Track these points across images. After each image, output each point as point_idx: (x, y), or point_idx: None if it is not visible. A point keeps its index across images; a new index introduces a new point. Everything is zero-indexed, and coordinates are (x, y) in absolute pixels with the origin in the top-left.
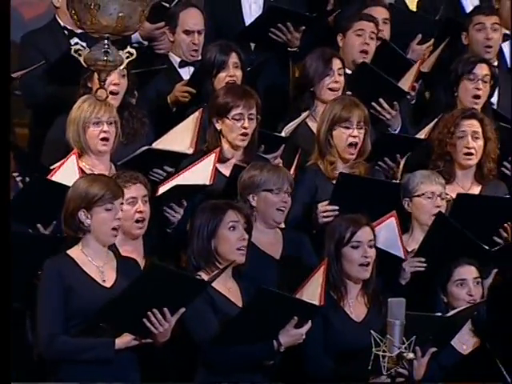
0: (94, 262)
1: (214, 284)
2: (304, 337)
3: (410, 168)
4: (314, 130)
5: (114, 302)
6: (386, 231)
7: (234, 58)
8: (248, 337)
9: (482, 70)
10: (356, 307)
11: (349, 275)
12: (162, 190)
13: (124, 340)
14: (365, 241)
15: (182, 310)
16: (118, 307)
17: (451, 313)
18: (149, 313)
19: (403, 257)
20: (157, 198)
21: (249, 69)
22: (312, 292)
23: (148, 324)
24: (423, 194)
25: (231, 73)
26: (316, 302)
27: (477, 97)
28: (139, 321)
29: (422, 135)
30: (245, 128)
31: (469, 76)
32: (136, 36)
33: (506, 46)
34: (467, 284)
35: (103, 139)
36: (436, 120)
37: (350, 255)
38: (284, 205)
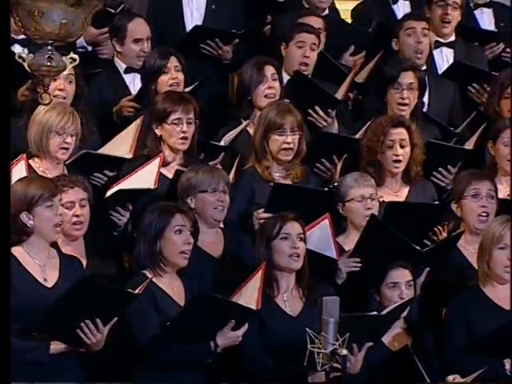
0: (37, 261)
1: (159, 283)
2: (240, 339)
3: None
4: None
5: (48, 312)
6: (320, 233)
7: (174, 62)
8: (186, 337)
9: (406, 78)
10: (291, 302)
11: (280, 266)
12: (109, 193)
13: (58, 347)
14: (293, 233)
15: (114, 319)
16: (51, 317)
17: (385, 311)
18: (82, 324)
19: (335, 257)
20: (103, 202)
21: (188, 89)
22: (249, 295)
23: (81, 334)
24: (353, 199)
25: (173, 75)
26: (253, 306)
27: (403, 104)
28: (72, 331)
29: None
30: (184, 132)
31: (393, 85)
32: (81, 41)
33: (437, 53)
34: (399, 287)
35: (63, 148)
36: (367, 125)
37: (279, 247)
38: (221, 203)
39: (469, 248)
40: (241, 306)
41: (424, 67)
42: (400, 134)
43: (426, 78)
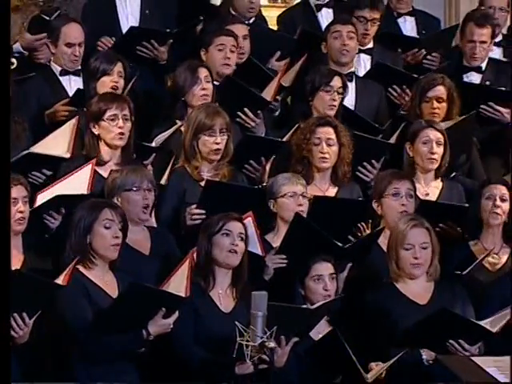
0: None
1: (91, 277)
2: (172, 326)
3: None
4: None
5: None
6: None
7: (119, 67)
8: (119, 327)
9: (337, 82)
10: (225, 299)
11: (218, 261)
12: (41, 197)
13: None
14: (235, 231)
15: (39, 312)
16: None
17: (314, 306)
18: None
19: (261, 254)
20: (37, 207)
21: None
22: (178, 284)
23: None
24: (285, 195)
25: (115, 79)
26: (182, 294)
27: (333, 106)
28: None
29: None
30: (120, 127)
31: (326, 88)
32: (17, 46)
33: (367, 60)
34: (323, 279)
35: None
36: (294, 129)
37: (220, 242)
38: (146, 202)
39: None
40: (170, 294)
41: (353, 69)
42: (327, 132)
43: (354, 81)
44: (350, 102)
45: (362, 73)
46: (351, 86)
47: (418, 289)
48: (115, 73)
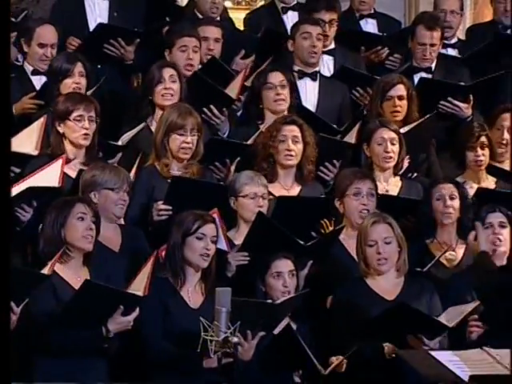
0: None
1: (62, 274)
2: (131, 323)
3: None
4: None
5: None
6: None
7: (79, 67)
8: (79, 324)
9: (276, 77)
10: (193, 295)
11: (190, 263)
12: (16, 190)
13: None
14: (208, 235)
15: (26, 300)
16: None
17: (279, 301)
18: None
19: (226, 249)
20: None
21: (90, 92)
22: (140, 282)
23: None
24: (247, 195)
25: (77, 80)
26: (140, 293)
27: (280, 101)
28: None
29: (250, 141)
30: (86, 128)
31: (266, 86)
32: None
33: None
34: (283, 276)
35: None
36: (258, 133)
37: (193, 245)
38: (123, 202)
39: (350, 242)
40: (126, 292)
41: (317, 68)
42: (292, 130)
43: (318, 80)
44: (312, 101)
45: (325, 74)
46: (315, 85)
47: (387, 285)
48: (76, 73)
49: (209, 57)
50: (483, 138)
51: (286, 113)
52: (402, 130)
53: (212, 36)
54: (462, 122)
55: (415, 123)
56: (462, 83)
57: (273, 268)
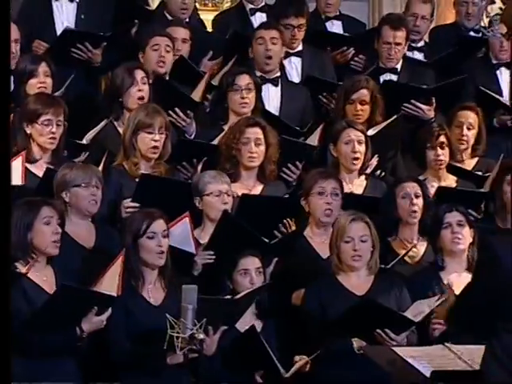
0: None
1: (30, 275)
2: (104, 323)
3: None
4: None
5: None
6: (181, 229)
7: (44, 67)
8: (53, 325)
9: (243, 80)
10: (154, 292)
11: (146, 263)
12: None
13: None
14: (159, 231)
15: None
16: None
17: (238, 296)
18: None
19: (194, 252)
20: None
21: (58, 93)
22: (111, 282)
23: None
24: (211, 193)
25: (42, 80)
26: (114, 292)
27: (245, 103)
28: None
29: (216, 141)
30: (53, 133)
31: (233, 87)
32: None
33: (286, 62)
34: (250, 273)
35: None
36: (223, 133)
37: (146, 245)
38: (94, 197)
39: (316, 239)
40: (101, 293)
41: (278, 74)
42: (255, 132)
43: (280, 85)
44: (275, 105)
45: (293, 75)
46: (277, 90)
47: (357, 281)
48: (41, 73)
49: (177, 57)
50: (442, 138)
51: (249, 115)
52: (371, 132)
53: (179, 37)
54: (425, 124)
55: (383, 124)
56: (425, 86)
57: (240, 265)
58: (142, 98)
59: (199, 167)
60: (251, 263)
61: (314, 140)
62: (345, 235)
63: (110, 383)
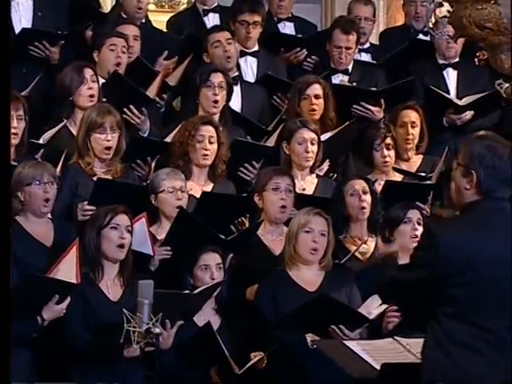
0: None
1: None
2: (65, 311)
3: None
4: (75, 134)
5: None
6: (138, 230)
7: None
8: (15, 314)
9: (217, 78)
10: (113, 288)
11: (106, 256)
12: None
13: None
14: (122, 224)
15: None
16: None
17: (196, 290)
18: None
19: (151, 253)
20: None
21: (24, 93)
22: (68, 271)
23: None
24: (166, 190)
25: None
26: (73, 280)
27: (215, 101)
28: None
29: (169, 139)
30: (14, 128)
31: (206, 84)
32: None
33: (242, 61)
34: (210, 269)
35: None
36: (180, 126)
37: (108, 235)
38: (47, 195)
39: (268, 237)
40: (62, 281)
41: (236, 73)
42: (209, 131)
43: (239, 85)
44: (236, 105)
45: (249, 75)
46: (237, 89)
47: (309, 277)
48: None
49: (130, 55)
50: (389, 140)
51: (218, 115)
52: (324, 137)
53: (130, 34)
54: (374, 124)
55: (336, 130)
56: (374, 88)
57: (201, 261)
58: (92, 96)
59: (153, 164)
60: (212, 259)
61: (272, 140)
62: (307, 226)
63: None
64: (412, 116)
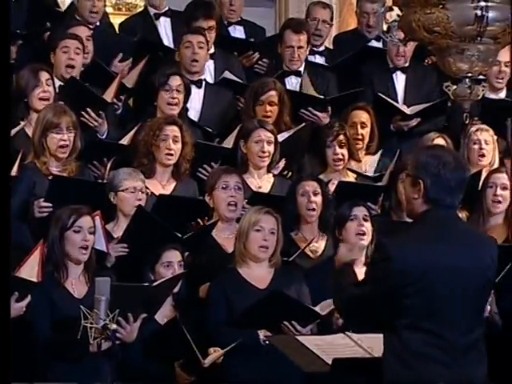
0: None
1: None
2: (24, 309)
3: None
4: (30, 135)
5: None
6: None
7: None
8: None
9: (175, 81)
10: (78, 286)
11: (70, 257)
12: None
13: None
14: (85, 227)
15: None
16: None
17: (156, 283)
18: None
19: (105, 250)
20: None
21: None
22: (30, 270)
23: None
24: (126, 189)
25: None
26: (34, 279)
27: (173, 104)
28: None
29: (125, 141)
30: None
31: (164, 87)
32: None
33: (211, 64)
34: (172, 266)
35: None
36: (137, 127)
37: (71, 239)
38: None
39: (220, 235)
40: (23, 279)
41: (203, 76)
42: (173, 130)
43: (203, 87)
44: (197, 107)
45: (207, 77)
46: (200, 92)
47: (259, 274)
48: None
49: (85, 55)
50: (341, 137)
51: (176, 117)
52: (280, 138)
53: (84, 35)
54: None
55: (291, 131)
56: (321, 96)
57: (164, 258)
58: (46, 99)
59: (108, 165)
60: (174, 256)
61: (230, 140)
62: (257, 224)
63: None
64: (362, 116)
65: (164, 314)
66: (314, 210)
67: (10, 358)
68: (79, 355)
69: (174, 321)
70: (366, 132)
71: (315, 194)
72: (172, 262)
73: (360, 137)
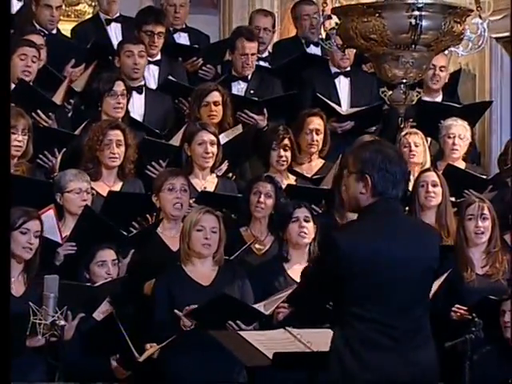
0: None
1: None
2: None
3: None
4: None
5: None
6: (47, 221)
7: None
8: None
9: (119, 86)
10: (17, 285)
11: (13, 254)
12: None
13: None
14: (32, 230)
15: None
16: None
17: (99, 283)
18: None
19: (60, 242)
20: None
21: None
22: None
23: None
24: (72, 191)
25: None
26: None
27: (119, 108)
28: None
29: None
30: None
31: (110, 93)
32: None
33: (146, 69)
34: (106, 264)
35: None
36: (84, 124)
37: (17, 238)
38: None
39: (166, 233)
40: None
41: (142, 82)
42: (116, 134)
43: (144, 93)
44: (140, 111)
45: (152, 82)
46: (141, 97)
47: (203, 271)
48: None
49: (39, 62)
50: (286, 141)
51: (120, 120)
52: (223, 140)
53: (38, 42)
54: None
55: (236, 133)
56: (256, 98)
57: (97, 257)
58: None
59: (59, 157)
60: (108, 255)
61: (176, 140)
62: (198, 224)
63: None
64: (317, 123)
65: (100, 310)
66: (262, 209)
67: (10, 358)
68: (15, 352)
69: (111, 316)
70: (321, 138)
71: (267, 195)
72: (106, 261)
73: (315, 143)
